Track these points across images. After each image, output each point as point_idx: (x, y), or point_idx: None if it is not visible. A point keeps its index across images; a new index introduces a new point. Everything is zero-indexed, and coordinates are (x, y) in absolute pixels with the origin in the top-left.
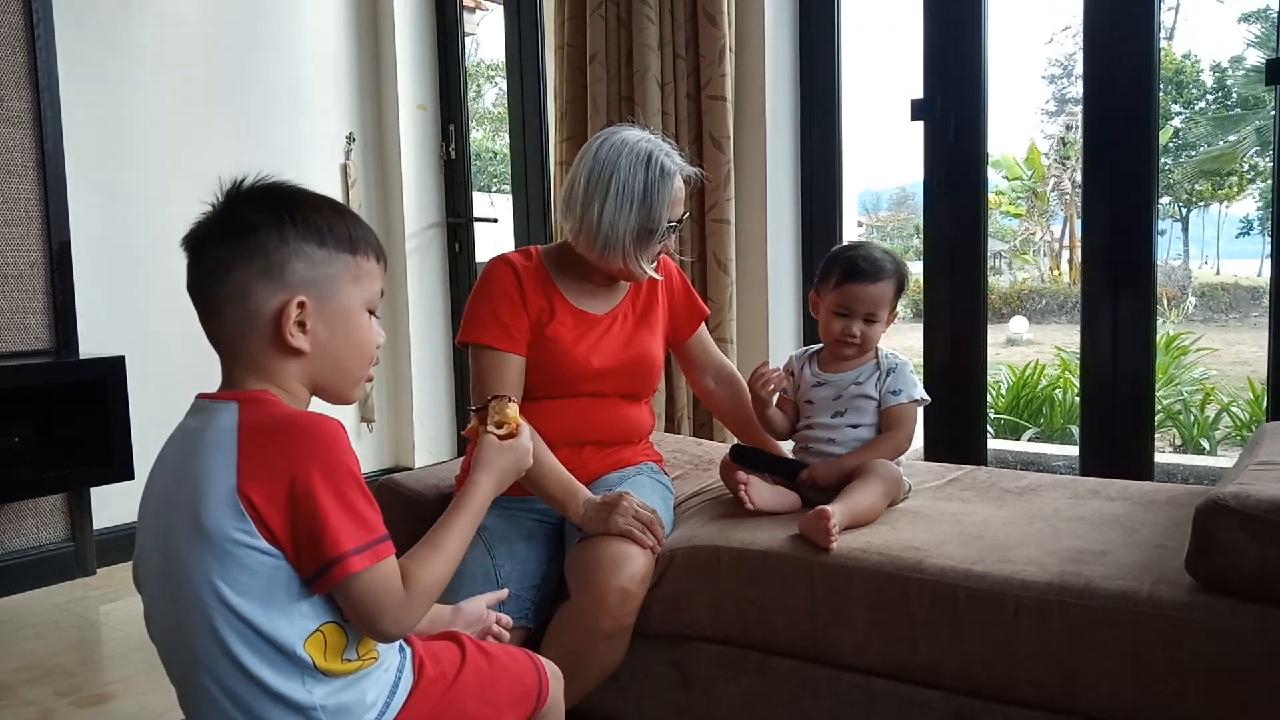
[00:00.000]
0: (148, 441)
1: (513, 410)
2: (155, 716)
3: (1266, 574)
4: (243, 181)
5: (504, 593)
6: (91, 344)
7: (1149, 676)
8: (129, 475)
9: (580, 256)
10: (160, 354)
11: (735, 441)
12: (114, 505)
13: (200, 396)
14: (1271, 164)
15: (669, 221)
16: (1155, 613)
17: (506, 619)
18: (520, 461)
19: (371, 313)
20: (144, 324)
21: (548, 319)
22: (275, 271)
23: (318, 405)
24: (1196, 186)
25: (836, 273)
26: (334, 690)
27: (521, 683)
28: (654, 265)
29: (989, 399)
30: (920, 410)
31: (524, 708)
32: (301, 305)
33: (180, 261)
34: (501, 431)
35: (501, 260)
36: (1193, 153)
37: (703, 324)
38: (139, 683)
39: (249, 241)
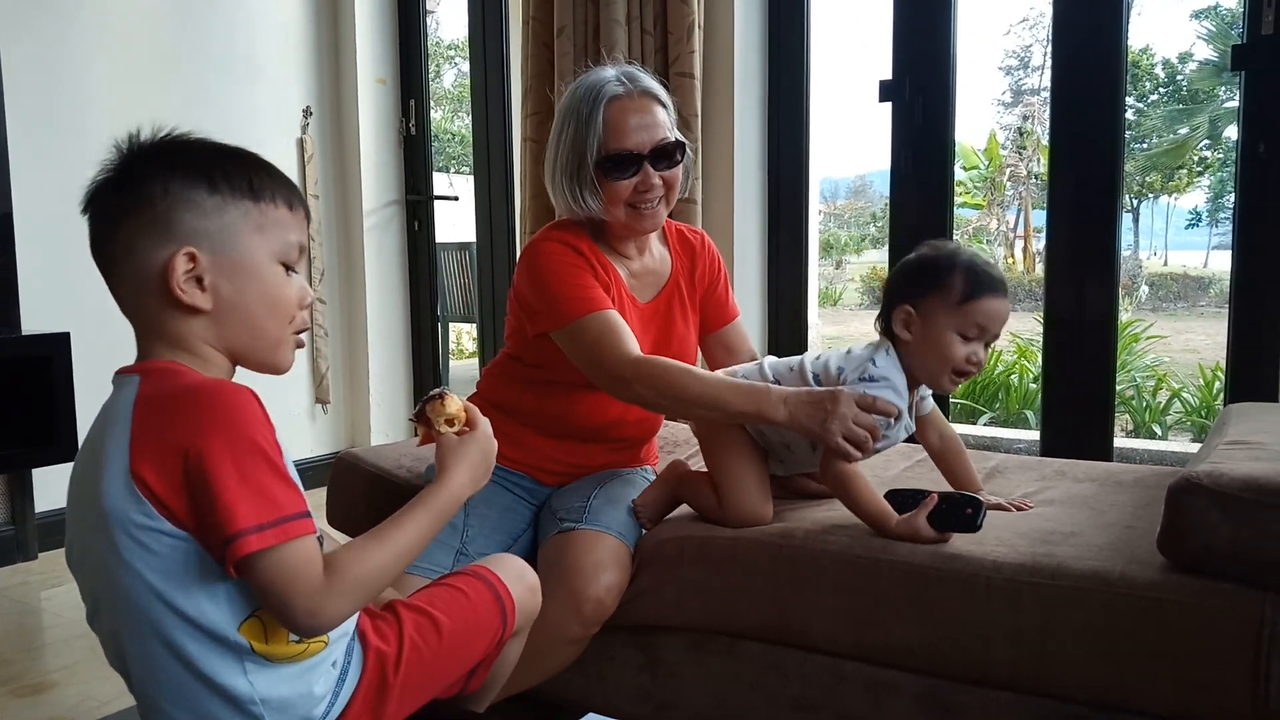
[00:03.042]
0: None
1: (453, 405)
2: (98, 705)
3: (1239, 553)
4: (138, 134)
5: None
6: (34, 320)
7: (1121, 657)
8: (73, 456)
9: (603, 224)
10: (107, 331)
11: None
12: (57, 487)
13: (118, 371)
14: (1223, 155)
15: (617, 150)
16: (1128, 593)
17: None
18: (486, 451)
19: (288, 267)
20: (90, 299)
21: (611, 295)
22: (161, 224)
23: (247, 378)
24: (1147, 178)
25: (961, 284)
26: (276, 682)
27: (477, 620)
28: (632, 211)
29: None
30: None
31: (489, 639)
32: (193, 258)
33: None
34: (455, 429)
35: (544, 239)
36: (1144, 145)
37: (737, 319)
38: (82, 671)
39: (132, 193)
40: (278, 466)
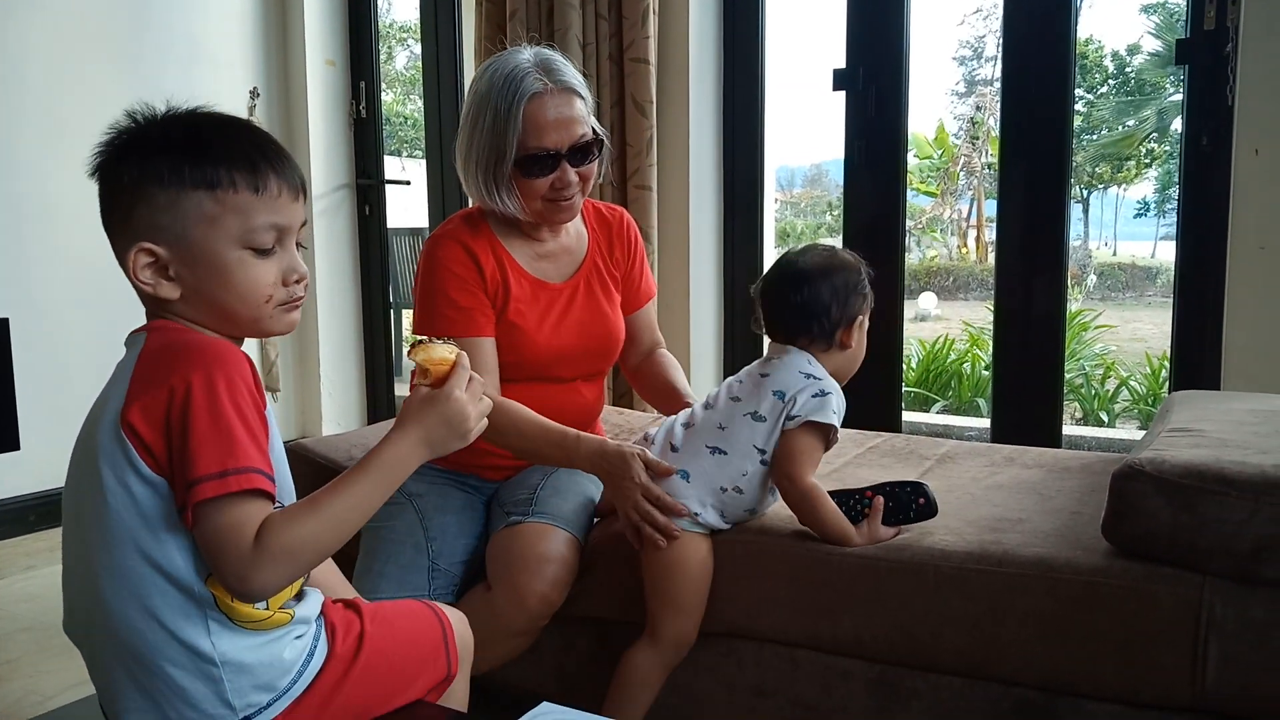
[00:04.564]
0: (34, 410)
1: (437, 351)
2: (41, 700)
3: (1179, 537)
4: (144, 111)
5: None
6: None
7: (1067, 640)
8: (14, 445)
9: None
10: (47, 318)
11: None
12: None
13: (130, 333)
14: (1170, 147)
15: (536, 149)
16: (1073, 578)
17: None
18: (448, 416)
19: (259, 249)
20: (29, 285)
21: (505, 296)
22: (120, 220)
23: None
24: (1097, 169)
25: (870, 290)
26: (240, 648)
27: (427, 646)
28: (548, 204)
29: None
30: None
31: (433, 673)
32: (150, 253)
33: (67, 222)
34: (427, 380)
35: (445, 238)
36: (1094, 136)
37: (646, 306)
38: (26, 665)
39: (101, 191)
40: (251, 422)
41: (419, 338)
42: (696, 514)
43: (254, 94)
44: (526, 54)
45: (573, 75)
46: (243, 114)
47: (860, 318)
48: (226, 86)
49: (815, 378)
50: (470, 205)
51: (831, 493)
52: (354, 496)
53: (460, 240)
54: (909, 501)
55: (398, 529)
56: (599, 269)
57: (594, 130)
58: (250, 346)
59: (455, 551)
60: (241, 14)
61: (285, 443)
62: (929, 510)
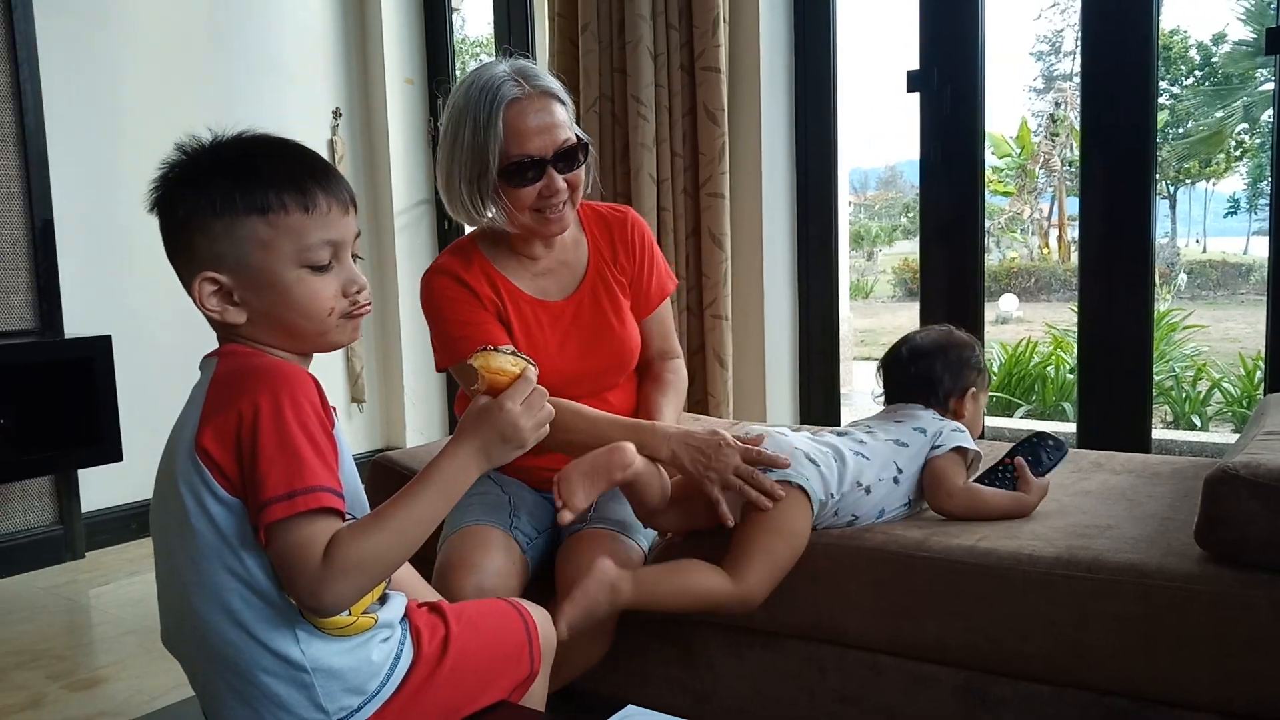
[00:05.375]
0: (136, 422)
1: (495, 360)
2: (149, 699)
3: (1277, 543)
4: (193, 141)
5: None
6: (77, 323)
7: (1158, 648)
8: (117, 456)
9: (504, 230)
10: (148, 333)
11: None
12: (103, 487)
13: (204, 356)
14: (1261, 139)
15: (520, 156)
16: (1165, 584)
17: None
18: (501, 426)
19: (313, 267)
20: (131, 302)
21: (506, 322)
22: (183, 252)
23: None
24: (1184, 164)
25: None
26: (329, 653)
27: (511, 645)
28: (537, 215)
29: None
30: None
31: (517, 671)
32: (214, 281)
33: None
34: (482, 388)
35: (436, 274)
36: (1180, 130)
37: (657, 311)
38: (132, 666)
39: (162, 224)
40: (318, 441)
41: (484, 345)
42: (834, 495)
43: (336, 114)
44: (503, 65)
45: (551, 80)
46: (325, 134)
47: (972, 389)
48: (310, 106)
49: (949, 423)
50: (462, 235)
51: (983, 476)
52: (417, 509)
53: (450, 273)
54: (1039, 449)
55: (479, 486)
56: (604, 278)
57: (578, 136)
58: (336, 359)
59: (531, 516)
60: (323, 36)
61: (371, 453)
62: (1060, 449)
